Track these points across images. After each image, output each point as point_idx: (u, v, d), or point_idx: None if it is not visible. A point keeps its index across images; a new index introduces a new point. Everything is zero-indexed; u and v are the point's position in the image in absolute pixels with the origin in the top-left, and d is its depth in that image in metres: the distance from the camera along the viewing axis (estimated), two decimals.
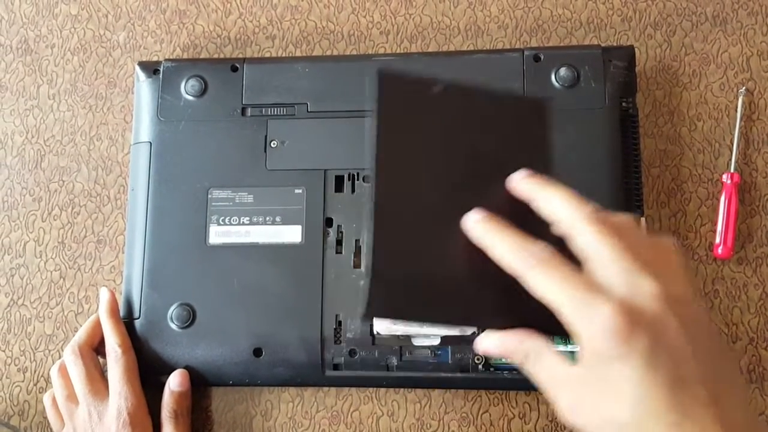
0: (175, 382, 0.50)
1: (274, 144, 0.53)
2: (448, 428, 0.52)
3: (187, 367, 0.51)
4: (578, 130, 0.50)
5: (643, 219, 0.51)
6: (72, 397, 0.49)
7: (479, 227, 0.32)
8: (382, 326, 0.50)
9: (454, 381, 0.50)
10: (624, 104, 0.51)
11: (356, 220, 0.52)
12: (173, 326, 0.51)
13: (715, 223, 0.53)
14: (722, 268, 0.53)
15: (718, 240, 0.53)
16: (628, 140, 0.52)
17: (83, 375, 0.48)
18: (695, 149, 0.55)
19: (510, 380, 0.50)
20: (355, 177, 0.52)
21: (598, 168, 0.50)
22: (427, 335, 0.50)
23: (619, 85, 0.52)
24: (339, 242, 0.51)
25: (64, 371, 0.50)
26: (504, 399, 0.53)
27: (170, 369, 0.51)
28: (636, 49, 0.53)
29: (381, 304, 0.33)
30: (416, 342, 0.50)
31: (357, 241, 0.51)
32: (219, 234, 0.52)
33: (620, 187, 0.50)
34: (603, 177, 0.50)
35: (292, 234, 0.52)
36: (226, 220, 0.52)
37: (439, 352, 0.50)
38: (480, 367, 0.50)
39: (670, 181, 0.55)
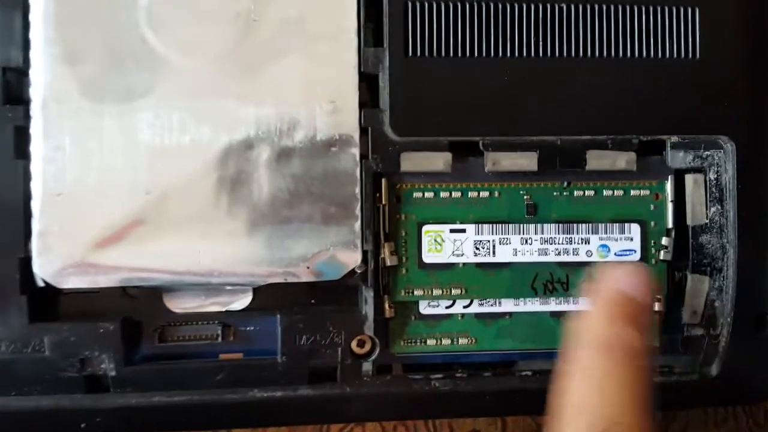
0: None
1: None
2: None
3: None
4: None
5: None
6: None
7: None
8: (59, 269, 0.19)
9: (274, 405, 0.21)
10: None
11: None
12: None
13: None
14: None
15: None
16: None
17: None
18: None
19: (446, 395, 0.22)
20: None
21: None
22: (204, 283, 0.20)
23: None
24: None
25: None
26: None
27: None
28: None
29: None
30: (172, 303, 0.20)
31: None
32: None
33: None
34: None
35: None
36: None
37: (249, 328, 0.21)
38: (347, 361, 0.21)
39: None
